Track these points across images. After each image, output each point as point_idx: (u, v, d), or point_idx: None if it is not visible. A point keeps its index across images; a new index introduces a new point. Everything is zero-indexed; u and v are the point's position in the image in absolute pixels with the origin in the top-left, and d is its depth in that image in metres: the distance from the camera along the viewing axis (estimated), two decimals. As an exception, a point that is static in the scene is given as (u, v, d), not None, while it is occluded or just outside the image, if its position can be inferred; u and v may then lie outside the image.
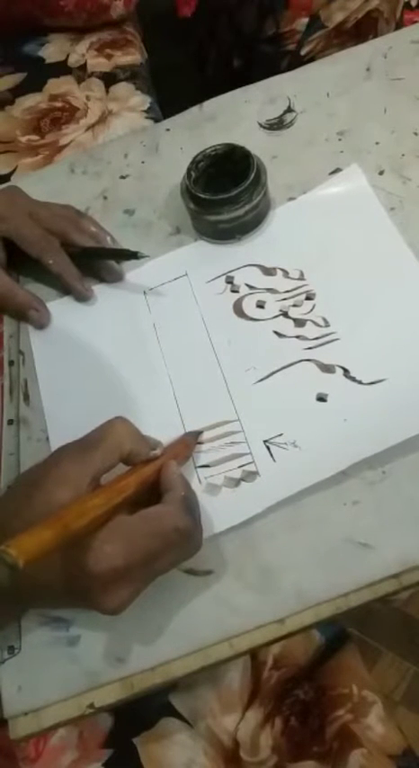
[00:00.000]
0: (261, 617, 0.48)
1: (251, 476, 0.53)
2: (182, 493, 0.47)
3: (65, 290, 0.67)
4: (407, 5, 1.40)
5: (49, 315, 0.66)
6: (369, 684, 0.75)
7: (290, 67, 0.81)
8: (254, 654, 0.77)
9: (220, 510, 0.52)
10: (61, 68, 1.31)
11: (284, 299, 0.61)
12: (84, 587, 0.43)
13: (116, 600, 0.43)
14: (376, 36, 1.28)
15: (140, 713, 0.74)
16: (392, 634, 1.31)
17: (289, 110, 0.75)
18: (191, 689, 0.75)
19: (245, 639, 0.48)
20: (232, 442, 0.55)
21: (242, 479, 0.53)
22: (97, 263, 0.67)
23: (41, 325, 0.66)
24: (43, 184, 0.76)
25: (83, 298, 0.66)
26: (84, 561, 0.42)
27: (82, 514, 0.41)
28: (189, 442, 0.54)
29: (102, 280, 0.67)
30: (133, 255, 0.64)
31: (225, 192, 0.63)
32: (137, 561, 0.43)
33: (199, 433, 0.55)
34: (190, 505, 0.46)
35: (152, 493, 0.48)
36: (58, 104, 1.24)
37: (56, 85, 1.28)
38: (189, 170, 0.66)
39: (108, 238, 0.68)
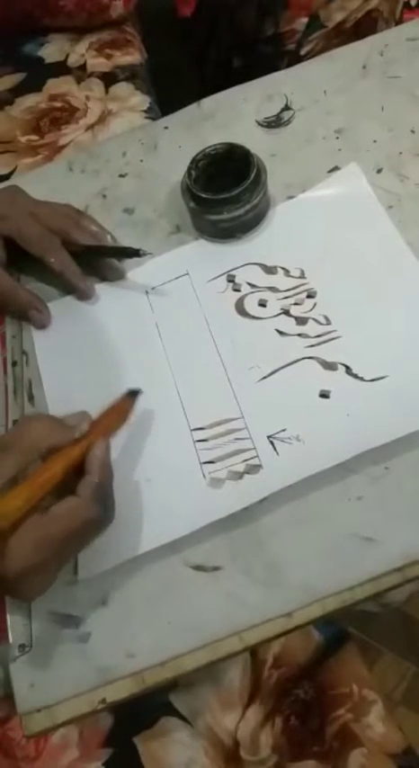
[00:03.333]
0: (269, 611, 0.49)
1: (254, 469, 0.53)
2: (96, 480, 0.47)
3: (66, 289, 0.67)
4: (407, 5, 1.40)
5: (50, 315, 0.66)
6: (369, 684, 0.75)
7: (290, 67, 0.81)
8: (254, 652, 0.77)
9: (223, 499, 0.52)
10: (61, 68, 1.30)
11: (285, 298, 0.62)
12: (1, 585, 0.45)
13: (31, 591, 0.46)
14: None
15: (140, 712, 0.74)
16: (392, 634, 1.31)
17: (287, 107, 0.75)
18: (191, 688, 0.75)
19: (253, 633, 0.49)
20: (236, 439, 0.55)
21: (245, 472, 0.53)
22: (99, 261, 0.67)
23: (43, 325, 0.66)
24: (42, 183, 0.76)
25: (85, 296, 0.66)
26: None
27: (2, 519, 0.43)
28: (124, 408, 0.54)
29: (103, 278, 0.67)
30: (135, 253, 0.64)
31: (225, 192, 0.63)
32: (49, 558, 0.45)
33: (136, 392, 0.55)
34: (100, 493, 0.47)
35: (80, 472, 0.48)
36: (58, 104, 1.24)
37: (55, 85, 1.27)
38: (189, 169, 0.66)
39: (108, 237, 0.68)
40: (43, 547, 0.44)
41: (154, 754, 0.71)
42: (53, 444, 0.47)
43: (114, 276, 0.67)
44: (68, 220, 0.67)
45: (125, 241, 0.69)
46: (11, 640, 0.51)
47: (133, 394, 0.55)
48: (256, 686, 0.75)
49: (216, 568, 0.51)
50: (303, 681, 0.76)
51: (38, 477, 0.45)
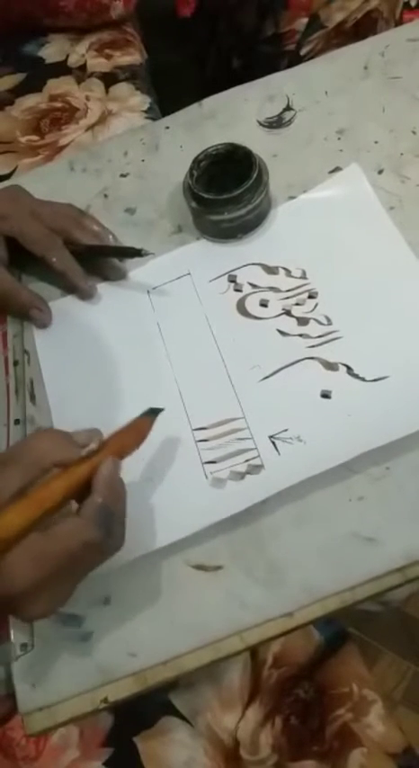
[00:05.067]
0: (270, 611, 0.49)
1: (256, 469, 0.53)
2: (99, 500, 0.45)
3: (68, 288, 0.67)
4: (407, 5, 1.40)
5: (52, 314, 0.66)
6: (369, 683, 0.75)
7: (290, 68, 0.81)
8: (254, 652, 0.77)
9: (225, 499, 0.53)
10: (61, 69, 1.30)
11: (287, 298, 0.62)
12: (2, 603, 0.44)
13: (37, 609, 0.44)
14: (376, 37, 1.28)
15: (140, 712, 0.74)
16: (392, 634, 1.31)
17: (288, 108, 0.75)
18: (192, 687, 0.75)
19: (255, 633, 0.49)
20: (238, 439, 0.55)
21: (247, 473, 0.53)
22: (100, 261, 0.67)
23: (44, 324, 0.66)
24: (43, 182, 0.76)
25: (87, 296, 0.66)
26: None
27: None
28: (141, 428, 0.51)
29: (105, 278, 0.68)
30: (137, 253, 0.64)
31: (227, 192, 0.63)
32: (48, 577, 0.43)
33: (157, 411, 0.52)
34: (103, 515, 0.45)
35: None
36: (58, 105, 1.24)
37: (55, 86, 1.27)
38: (191, 169, 0.66)
39: (110, 237, 0.68)
40: (42, 565, 0.42)
41: (154, 754, 0.71)
42: (58, 460, 0.46)
43: (116, 276, 0.67)
44: (70, 220, 0.67)
45: (126, 241, 0.69)
46: (13, 639, 0.51)
47: (153, 413, 0.52)
48: (256, 686, 0.75)
49: (217, 568, 0.51)
50: (303, 681, 0.76)
51: (38, 493, 0.44)
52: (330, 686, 0.75)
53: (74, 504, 0.46)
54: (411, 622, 1.32)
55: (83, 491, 0.46)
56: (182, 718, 0.73)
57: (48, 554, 0.43)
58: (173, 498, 0.54)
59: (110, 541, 0.46)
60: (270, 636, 0.49)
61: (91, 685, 0.49)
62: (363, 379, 0.56)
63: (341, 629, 0.80)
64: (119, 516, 0.47)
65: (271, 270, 0.64)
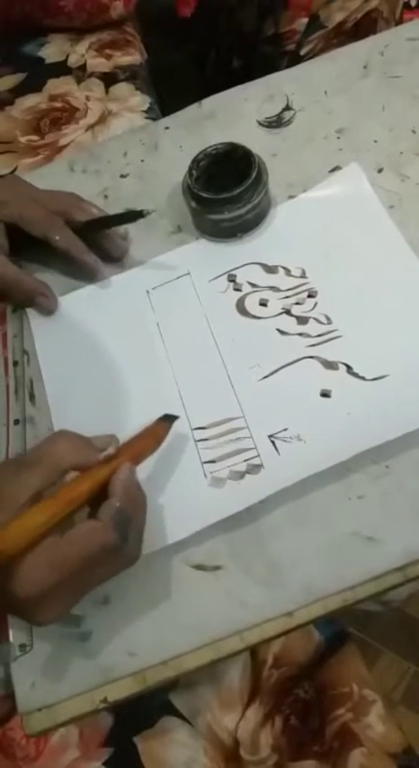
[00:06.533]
0: (270, 610, 0.49)
1: (255, 468, 0.53)
2: (117, 504, 0.45)
3: (73, 273, 0.67)
4: (407, 5, 1.40)
5: (57, 300, 0.66)
6: (369, 683, 0.75)
7: (290, 67, 0.81)
8: (254, 652, 0.77)
9: (225, 499, 0.52)
10: (61, 68, 1.31)
11: (286, 297, 0.62)
12: (14, 606, 0.44)
13: (48, 615, 0.44)
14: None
15: (140, 712, 0.74)
16: (392, 634, 1.31)
17: (288, 107, 0.75)
18: (192, 687, 0.75)
19: (255, 632, 0.49)
20: (237, 438, 0.55)
21: (247, 472, 0.53)
22: (101, 240, 0.67)
23: (50, 311, 0.66)
24: (43, 183, 0.75)
25: (93, 270, 0.66)
26: (10, 587, 0.42)
27: (22, 535, 0.41)
28: (157, 433, 0.52)
29: (107, 255, 0.67)
30: (139, 215, 0.63)
31: (226, 191, 0.63)
32: (64, 581, 0.43)
33: (172, 417, 0.54)
34: (121, 518, 0.45)
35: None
36: (58, 105, 1.24)
37: (55, 86, 1.28)
38: (190, 169, 0.66)
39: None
40: (59, 569, 0.42)
41: (154, 754, 0.71)
42: (77, 463, 0.46)
43: (118, 252, 0.67)
44: (69, 202, 0.66)
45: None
46: (12, 639, 0.51)
47: (169, 419, 0.54)
48: (256, 686, 0.75)
49: (217, 567, 0.51)
50: (303, 681, 0.76)
51: (64, 494, 0.44)
52: (330, 686, 0.75)
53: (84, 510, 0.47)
54: (411, 622, 1.32)
55: (99, 495, 0.46)
56: (182, 718, 0.73)
57: (65, 557, 0.43)
58: (172, 499, 0.54)
59: (126, 548, 0.45)
60: (270, 635, 0.49)
61: (90, 685, 0.49)
62: (363, 378, 0.56)
63: (341, 629, 0.80)
64: (136, 523, 0.47)
65: (270, 269, 0.64)
